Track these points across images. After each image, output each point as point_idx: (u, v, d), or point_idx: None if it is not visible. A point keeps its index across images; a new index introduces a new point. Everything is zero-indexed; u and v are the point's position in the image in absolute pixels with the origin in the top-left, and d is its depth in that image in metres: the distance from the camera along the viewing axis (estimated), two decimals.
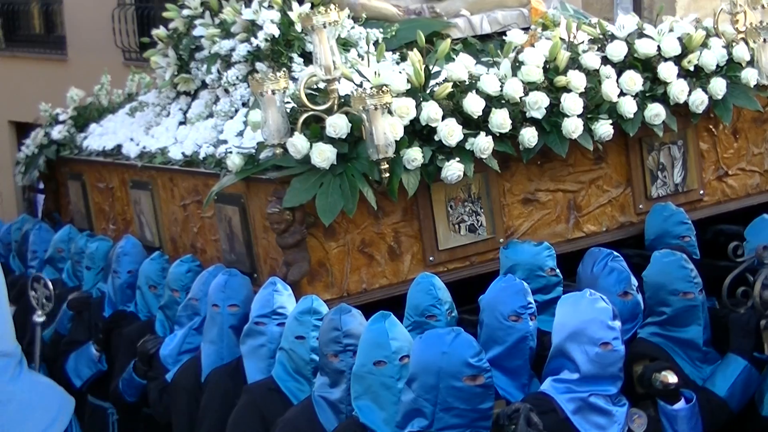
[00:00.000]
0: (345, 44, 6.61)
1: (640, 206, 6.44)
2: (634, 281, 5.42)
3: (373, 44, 6.63)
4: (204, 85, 7.14)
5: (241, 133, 6.26)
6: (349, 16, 6.74)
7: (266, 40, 6.54)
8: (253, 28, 6.68)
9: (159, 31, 7.58)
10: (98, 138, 7.95)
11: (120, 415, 6.79)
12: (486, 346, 5.07)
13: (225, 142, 6.33)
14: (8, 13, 13.92)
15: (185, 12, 7.36)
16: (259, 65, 6.59)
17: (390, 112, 5.55)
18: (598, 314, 4.73)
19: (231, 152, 5.95)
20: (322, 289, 5.70)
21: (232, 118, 6.55)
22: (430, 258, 5.91)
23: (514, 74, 6.01)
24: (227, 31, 6.89)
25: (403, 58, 6.45)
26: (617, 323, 4.73)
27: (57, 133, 8.38)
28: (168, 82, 7.41)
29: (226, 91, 6.78)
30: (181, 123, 7.12)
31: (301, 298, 5.37)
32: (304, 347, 5.18)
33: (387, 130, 5.43)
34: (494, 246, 6.01)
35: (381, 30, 6.76)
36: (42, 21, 13.77)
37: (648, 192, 6.45)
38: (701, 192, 6.60)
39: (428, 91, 5.80)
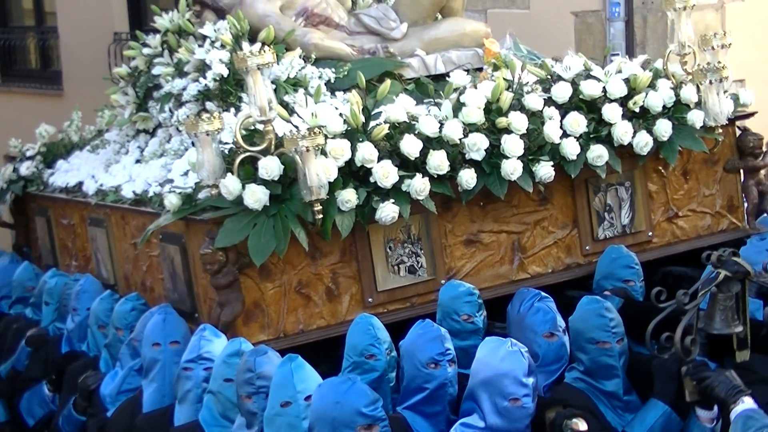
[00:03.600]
0: (295, 84, 6.63)
1: (587, 247, 6.41)
2: (561, 322, 5.40)
3: (325, 84, 6.65)
4: (161, 124, 7.17)
5: (186, 173, 6.26)
6: (300, 56, 6.76)
7: (215, 79, 6.57)
8: (204, 67, 6.71)
9: (120, 69, 7.63)
10: (63, 174, 7.97)
11: None
12: (406, 392, 5.10)
13: (172, 181, 6.35)
14: (4, 48, 13.99)
15: (146, 50, 7.40)
16: (209, 104, 6.61)
17: (324, 153, 5.55)
18: (514, 368, 4.70)
19: (171, 192, 5.96)
20: (258, 330, 5.70)
21: (181, 157, 6.57)
22: (369, 299, 5.90)
23: (456, 115, 6.00)
24: (181, 70, 6.92)
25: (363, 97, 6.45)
26: (531, 380, 4.71)
27: (25, 168, 8.40)
28: (127, 120, 7.46)
29: (178, 129, 6.81)
30: (138, 161, 7.14)
31: (230, 341, 5.37)
32: (232, 390, 5.17)
33: (320, 171, 5.42)
34: (435, 287, 5.98)
35: (333, 69, 6.76)
36: (38, 56, 13.84)
37: (594, 233, 6.42)
38: (650, 233, 6.56)
39: (367, 132, 5.81)
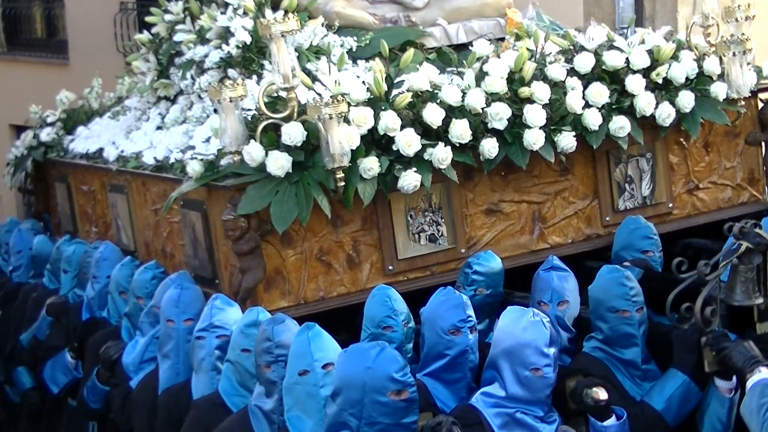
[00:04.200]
0: (318, 52, 6.63)
1: (607, 218, 6.41)
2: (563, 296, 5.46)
3: (347, 52, 6.65)
4: (182, 91, 7.18)
5: (208, 140, 6.27)
6: (323, 24, 6.76)
7: (238, 46, 6.58)
8: (226, 34, 6.72)
9: (141, 36, 7.64)
10: (84, 141, 8.00)
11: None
12: (427, 359, 5.10)
13: (193, 148, 6.36)
14: (10, 17, 13.94)
15: (167, 17, 7.40)
16: (231, 72, 6.62)
17: (347, 121, 5.56)
18: (535, 338, 4.70)
19: (193, 158, 5.98)
20: (279, 297, 5.72)
21: (203, 124, 6.58)
22: (389, 267, 5.91)
23: (478, 85, 6.00)
24: (203, 37, 6.92)
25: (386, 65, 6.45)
26: (552, 350, 4.71)
27: (45, 135, 8.44)
28: (148, 87, 7.46)
29: (200, 97, 6.82)
30: (159, 128, 7.15)
31: (247, 310, 5.38)
32: (250, 360, 5.17)
33: (342, 139, 5.43)
34: (455, 256, 6.01)
35: (355, 38, 6.76)
36: (44, 25, 13.78)
37: (615, 204, 6.42)
38: (670, 205, 6.56)
39: (390, 101, 5.81)
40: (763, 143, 6.84)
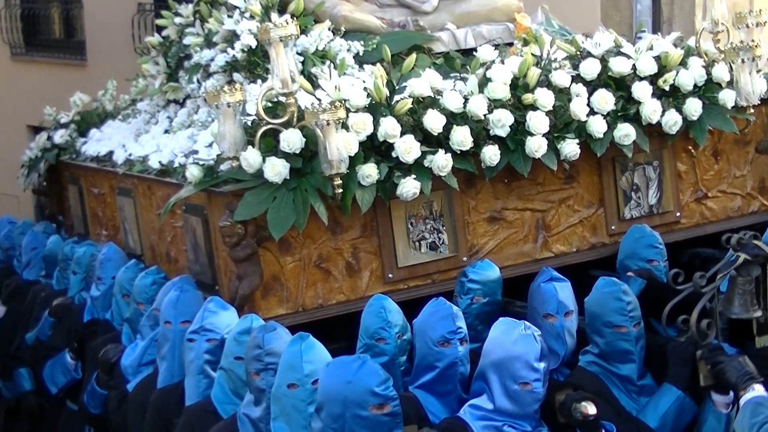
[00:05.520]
0: (324, 56, 6.59)
1: (613, 227, 6.33)
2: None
3: (354, 57, 6.61)
4: (190, 95, 7.17)
5: (211, 144, 6.23)
6: (329, 28, 6.71)
7: (243, 50, 6.54)
8: (232, 38, 6.69)
9: (152, 39, 7.65)
10: (95, 143, 8.00)
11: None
12: (417, 370, 5.07)
13: (197, 152, 6.33)
14: (29, 17, 13.96)
15: (177, 20, 7.39)
16: (236, 75, 6.59)
17: (346, 127, 5.51)
18: (526, 351, 4.64)
19: (194, 163, 5.95)
20: (276, 304, 5.68)
21: (207, 128, 6.54)
22: (389, 275, 5.86)
23: (481, 91, 5.94)
24: (210, 40, 6.90)
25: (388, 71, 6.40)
26: (542, 365, 4.65)
27: (59, 137, 8.45)
28: (157, 90, 7.47)
29: (205, 100, 6.79)
30: (167, 131, 7.14)
31: (242, 318, 5.34)
32: (243, 368, 5.12)
33: (340, 145, 5.38)
34: (457, 264, 5.95)
35: (362, 42, 6.71)
36: (62, 26, 13.78)
37: (621, 213, 6.34)
38: (678, 214, 6.47)
39: (391, 106, 5.76)
40: None
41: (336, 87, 5.69)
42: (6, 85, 14.01)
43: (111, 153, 7.55)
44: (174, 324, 5.76)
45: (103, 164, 7.56)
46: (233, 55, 6.57)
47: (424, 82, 5.89)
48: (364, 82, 6.07)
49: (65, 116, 8.61)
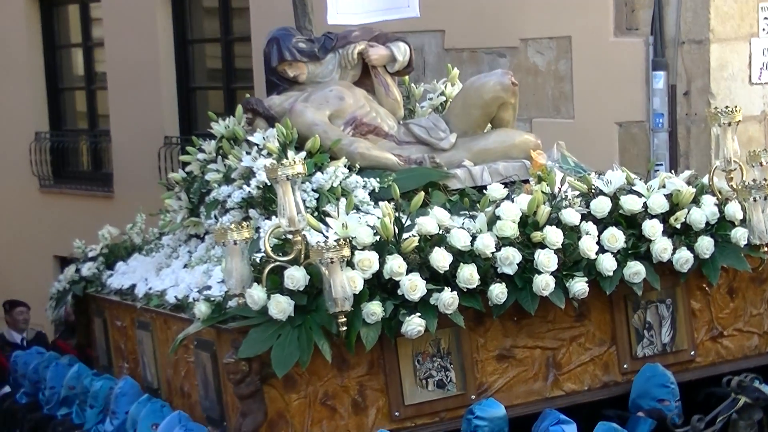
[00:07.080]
0: (340, 193, 6.63)
1: (625, 365, 6.26)
2: None
3: (369, 193, 6.66)
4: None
5: (223, 280, 6.29)
6: (345, 165, 6.78)
7: (258, 187, 6.62)
8: (249, 174, 6.78)
9: (175, 174, 7.73)
10: (120, 276, 8.07)
11: None
12: None
13: (210, 287, 6.38)
14: (58, 150, 14.24)
15: (201, 156, 7.50)
16: (252, 212, 6.66)
17: (351, 265, 5.54)
18: None
19: (204, 299, 5.99)
20: None
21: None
22: (396, 413, 5.83)
23: (490, 228, 5.95)
24: (228, 177, 7.00)
25: (397, 208, 6.45)
26: None
27: (86, 269, 8.52)
28: (179, 224, 7.54)
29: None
30: (185, 266, 7.20)
31: None
32: None
33: (345, 283, 5.42)
34: (465, 402, 5.91)
35: (378, 179, 6.77)
36: (90, 158, 14.06)
37: (633, 351, 6.28)
38: (692, 353, 6.40)
39: (398, 244, 5.78)
40: None
41: (343, 224, 5.74)
42: (34, 217, 14.22)
43: (133, 286, 7.61)
44: None
45: (125, 297, 7.62)
46: (249, 192, 6.65)
47: (432, 219, 5.92)
48: (378, 218, 6.12)
49: (93, 249, 8.70)
